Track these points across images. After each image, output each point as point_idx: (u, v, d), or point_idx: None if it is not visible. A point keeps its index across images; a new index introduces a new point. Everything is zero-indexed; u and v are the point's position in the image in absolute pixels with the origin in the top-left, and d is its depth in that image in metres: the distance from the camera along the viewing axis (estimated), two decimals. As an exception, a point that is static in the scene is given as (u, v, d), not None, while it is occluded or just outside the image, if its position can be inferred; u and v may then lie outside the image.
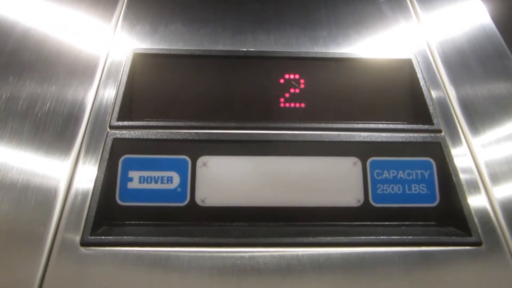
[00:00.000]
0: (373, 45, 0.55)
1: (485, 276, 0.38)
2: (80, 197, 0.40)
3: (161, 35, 0.54)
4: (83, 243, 0.38)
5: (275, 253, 0.38)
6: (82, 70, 0.49)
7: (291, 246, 0.39)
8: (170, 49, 0.51)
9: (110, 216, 0.41)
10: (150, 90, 0.48)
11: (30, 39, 0.52)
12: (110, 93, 0.47)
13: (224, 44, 0.53)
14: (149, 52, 0.50)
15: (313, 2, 0.59)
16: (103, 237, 0.38)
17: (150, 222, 0.42)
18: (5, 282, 0.35)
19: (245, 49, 0.52)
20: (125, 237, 0.38)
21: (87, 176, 0.41)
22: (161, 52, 0.50)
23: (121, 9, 0.57)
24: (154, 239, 0.38)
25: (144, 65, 0.50)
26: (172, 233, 0.40)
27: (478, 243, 0.39)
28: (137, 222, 0.42)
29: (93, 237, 0.38)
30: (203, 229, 0.41)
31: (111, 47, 0.52)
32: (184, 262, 0.38)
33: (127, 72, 0.49)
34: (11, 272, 0.36)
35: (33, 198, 0.39)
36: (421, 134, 0.46)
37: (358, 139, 0.45)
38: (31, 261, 0.36)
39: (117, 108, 0.46)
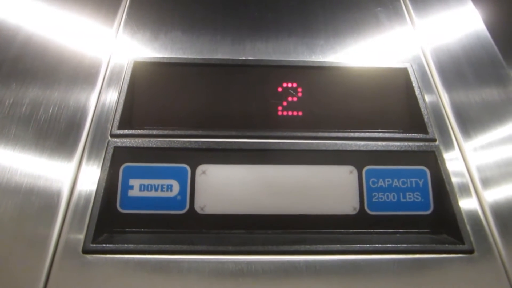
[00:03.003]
0: (370, 53, 0.55)
1: (477, 283, 0.39)
2: (81, 204, 0.41)
3: (161, 42, 0.55)
4: (85, 251, 0.38)
5: (273, 260, 0.39)
6: (83, 78, 0.50)
7: (288, 254, 0.40)
8: (170, 58, 0.52)
9: (111, 224, 0.42)
10: (150, 99, 0.49)
11: (32, 46, 0.53)
12: (111, 101, 0.48)
13: (223, 52, 0.54)
14: (149, 60, 0.51)
15: (311, 11, 0.60)
16: (104, 244, 0.39)
17: (150, 230, 0.42)
18: (9, 288, 0.36)
19: (243, 58, 0.53)
20: (126, 245, 0.39)
21: (89, 184, 0.42)
22: (161, 61, 0.51)
23: (122, 16, 0.58)
24: (154, 246, 0.39)
25: (144, 73, 0.50)
26: (172, 240, 0.40)
27: (470, 251, 0.40)
28: (137, 230, 0.42)
29: (94, 245, 0.39)
30: (202, 236, 0.42)
31: (112, 55, 0.53)
32: (184, 269, 0.38)
33: (128, 80, 0.49)
34: (15, 280, 0.36)
35: (36, 205, 0.40)
36: (416, 143, 0.47)
37: (354, 148, 0.46)
38: (34, 268, 0.37)
39: (118, 117, 0.47)
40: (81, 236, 0.39)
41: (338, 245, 0.40)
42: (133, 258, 0.39)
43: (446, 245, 0.40)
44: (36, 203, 0.40)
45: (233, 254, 0.39)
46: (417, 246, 0.40)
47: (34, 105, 0.47)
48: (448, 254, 0.40)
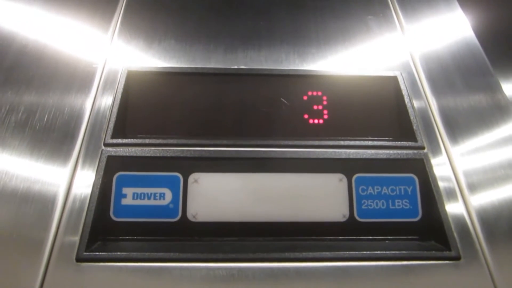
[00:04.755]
0: (361, 62, 0.56)
1: (463, 288, 0.40)
2: (75, 213, 0.42)
3: (154, 51, 0.55)
4: (79, 259, 0.39)
5: (264, 267, 0.40)
6: (78, 87, 0.51)
7: (279, 261, 0.40)
8: (163, 67, 0.52)
9: (105, 232, 0.43)
10: (144, 108, 0.50)
11: (27, 55, 0.53)
12: (105, 110, 0.49)
13: (216, 61, 0.55)
14: (143, 70, 0.52)
15: (303, 19, 0.61)
16: (97, 253, 0.40)
17: (143, 238, 0.43)
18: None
19: (236, 67, 0.54)
20: (119, 253, 0.40)
21: (83, 192, 0.43)
22: (154, 70, 0.52)
23: (116, 25, 0.58)
24: (147, 254, 0.40)
25: (138, 83, 0.51)
26: (165, 248, 0.41)
27: (457, 258, 0.41)
28: (130, 238, 0.43)
29: (88, 253, 0.39)
30: (194, 244, 0.43)
31: (106, 64, 0.53)
32: (176, 276, 0.39)
33: (121, 89, 0.50)
34: (9, 289, 0.37)
35: (30, 215, 0.41)
36: (405, 151, 0.47)
37: (344, 156, 0.46)
38: (28, 278, 0.38)
39: (111, 126, 0.47)
40: (75, 244, 0.40)
41: (328, 252, 0.41)
42: (126, 266, 0.39)
43: (433, 252, 0.41)
44: (31, 211, 0.41)
45: (225, 262, 0.40)
46: (405, 253, 0.41)
47: (29, 113, 0.48)
48: (435, 260, 0.41)
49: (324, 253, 0.41)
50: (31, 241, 0.39)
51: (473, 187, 0.45)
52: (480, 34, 0.62)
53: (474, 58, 0.58)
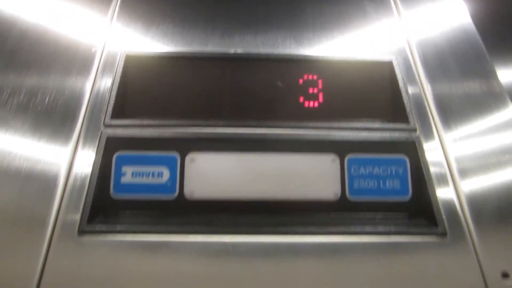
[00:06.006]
0: (357, 46, 0.57)
1: (448, 264, 0.41)
2: (77, 191, 0.43)
3: (152, 35, 0.56)
4: (81, 232, 0.41)
5: (256, 242, 0.42)
6: (78, 70, 0.52)
7: (270, 234, 0.42)
8: (161, 51, 0.53)
9: (105, 208, 0.44)
10: (142, 90, 0.51)
11: (28, 39, 0.54)
12: (104, 92, 0.50)
13: (213, 44, 0.56)
14: (141, 53, 0.53)
15: (300, 4, 0.61)
16: (98, 225, 0.41)
17: (141, 212, 0.45)
18: (9, 270, 0.39)
19: (232, 51, 0.55)
20: (119, 225, 0.42)
21: (84, 171, 0.44)
22: (152, 53, 0.53)
23: (115, 8, 0.59)
24: (145, 227, 0.42)
25: (136, 66, 0.52)
26: (162, 222, 0.43)
27: (443, 233, 0.42)
28: (130, 212, 0.45)
29: (89, 227, 0.41)
30: (191, 219, 0.44)
31: (105, 48, 0.54)
32: (173, 249, 0.41)
33: (120, 73, 0.51)
34: (14, 262, 0.39)
35: (33, 193, 0.42)
36: (397, 133, 0.48)
37: (337, 138, 0.48)
38: (33, 251, 0.39)
39: (110, 107, 0.48)
40: (77, 220, 0.42)
41: (318, 227, 0.42)
42: (126, 238, 0.41)
43: (420, 227, 0.43)
44: (34, 189, 0.42)
45: (219, 233, 0.42)
46: (393, 228, 0.43)
47: (31, 96, 0.49)
48: (422, 235, 0.42)
49: (314, 227, 0.42)
50: (34, 217, 0.41)
51: (463, 171, 0.46)
52: (479, 20, 0.62)
53: (471, 45, 0.58)
